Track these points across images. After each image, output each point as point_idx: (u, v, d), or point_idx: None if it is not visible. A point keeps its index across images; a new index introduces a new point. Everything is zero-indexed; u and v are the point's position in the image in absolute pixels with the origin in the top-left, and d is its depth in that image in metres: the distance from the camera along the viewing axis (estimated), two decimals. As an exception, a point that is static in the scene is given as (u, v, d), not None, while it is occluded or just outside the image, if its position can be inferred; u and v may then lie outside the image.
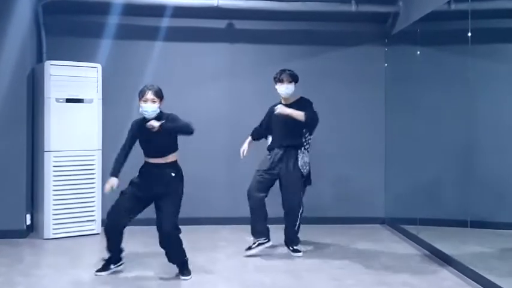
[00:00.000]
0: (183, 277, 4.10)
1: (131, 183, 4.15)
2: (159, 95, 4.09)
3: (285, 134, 4.85)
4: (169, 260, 4.13)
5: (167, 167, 4.09)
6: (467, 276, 4.10)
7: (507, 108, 4.14)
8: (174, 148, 4.16)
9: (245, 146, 5.09)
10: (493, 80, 4.29)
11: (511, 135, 4.08)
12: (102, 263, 4.21)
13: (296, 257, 4.77)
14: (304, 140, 4.86)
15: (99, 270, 4.17)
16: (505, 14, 4.17)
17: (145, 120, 4.07)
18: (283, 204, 4.85)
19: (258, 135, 5.16)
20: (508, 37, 4.15)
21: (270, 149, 4.95)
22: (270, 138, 5.02)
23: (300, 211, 4.81)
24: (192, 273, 4.13)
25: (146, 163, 4.16)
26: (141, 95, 4.07)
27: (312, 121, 4.80)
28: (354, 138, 6.22)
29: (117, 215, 4.05)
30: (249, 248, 4.77)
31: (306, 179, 4.88)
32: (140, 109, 4.09)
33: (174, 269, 4.16)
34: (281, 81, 4.85)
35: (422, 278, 4.16)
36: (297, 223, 4.81)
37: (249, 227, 4.87)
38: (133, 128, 4.20)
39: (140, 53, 5.97)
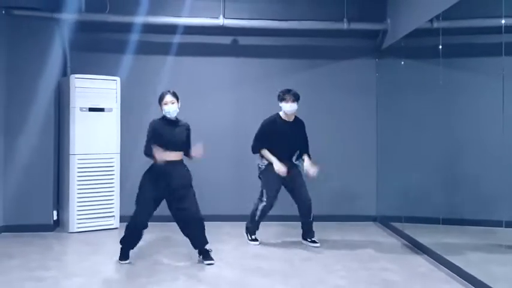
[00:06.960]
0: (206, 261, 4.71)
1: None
2: (176, 96, 4.67)
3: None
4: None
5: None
6: (440, 263, 4.66)
7: (482, 114, 4.52)
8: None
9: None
10: (467, 88, 4.71)
11: (487, 139, 4.42)
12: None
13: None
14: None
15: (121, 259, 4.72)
16: (474, 31, 4.73)
17: (165, 119, 4.62)
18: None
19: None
20: (475, 51, 4.67)
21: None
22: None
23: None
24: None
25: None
26: (161, 98, 4.62)
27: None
28: (348, 142, 6.69)
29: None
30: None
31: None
32: (163, 111, 4.63)
33: (184, 256, 4.77)
34: (285, 100, 5.26)
35: (400, 264, 4.72)
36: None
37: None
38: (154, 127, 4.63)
39: (154, 67, 6.48)
